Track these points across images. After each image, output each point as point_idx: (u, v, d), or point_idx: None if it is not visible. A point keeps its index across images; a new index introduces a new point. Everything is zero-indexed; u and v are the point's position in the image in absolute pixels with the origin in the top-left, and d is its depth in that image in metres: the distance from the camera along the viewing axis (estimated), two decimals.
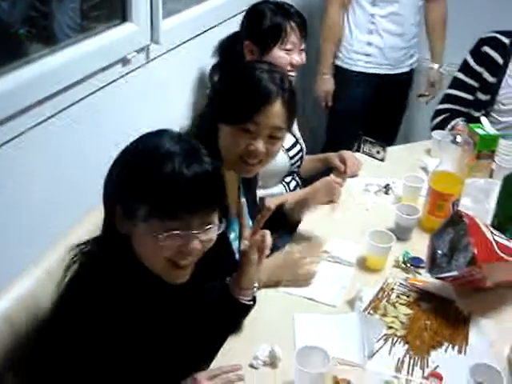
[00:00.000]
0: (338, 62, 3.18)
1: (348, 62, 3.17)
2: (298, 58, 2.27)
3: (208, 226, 1.27)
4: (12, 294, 1.37)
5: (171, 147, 1.23)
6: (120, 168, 1.27)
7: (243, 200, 1.53)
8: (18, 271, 1.41)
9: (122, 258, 1.26)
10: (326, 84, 3.19)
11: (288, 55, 2.25)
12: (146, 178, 1.21)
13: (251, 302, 1.55)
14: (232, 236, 1.77)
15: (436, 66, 3.30)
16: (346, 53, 3.15)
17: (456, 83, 2.85)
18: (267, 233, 1.49)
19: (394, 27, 3.08)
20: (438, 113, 2.87)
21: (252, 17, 2.31)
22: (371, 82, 3.17)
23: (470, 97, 2.79)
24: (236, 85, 1.67)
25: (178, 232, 1.22)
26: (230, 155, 1.66)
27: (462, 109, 2.81)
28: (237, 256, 1.75)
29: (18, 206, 1.69)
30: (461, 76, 2.82)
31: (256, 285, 1.56)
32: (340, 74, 3.19)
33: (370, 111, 3.23)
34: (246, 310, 1.55)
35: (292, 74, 2.25)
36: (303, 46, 2.30)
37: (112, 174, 1.28)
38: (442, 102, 2.90)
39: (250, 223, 1.78)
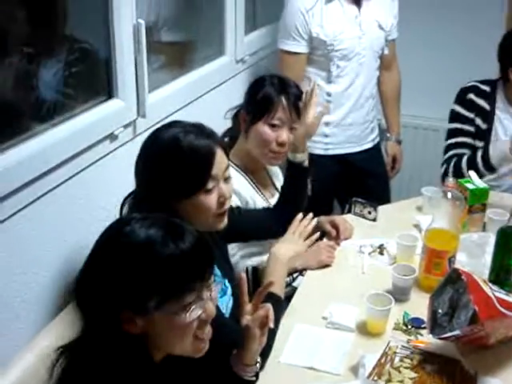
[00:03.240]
0: None
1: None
2: (286, 136, 2.18)
3: (212, 286, 1.28)
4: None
5: (152, 232, 1.21)
6: (109, 273, 1.20)
7: (243, 275, 1.51)
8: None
9: (134, 355, 1.22)
10: None
11: (274, 131, 2.18)
12: (148, 272, 1.18)
13: (254, 378, 1.51)
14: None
15: (393, 136, 3.21)
16: None
17: (452, 133, 2.81)
18: (270, 307, 1.47)
19: (351, 103, 2.90)
20: (446, 163, 2.79)
21: (252, 85, 2.28)
22: (336, 164, 2.96)
23: (471, 141, 2.76)
24: (173, 161, 1.64)
25: (196, 304, 1.22)
26: (206, 219, 1.68)
27: (468, 150, 2.75)
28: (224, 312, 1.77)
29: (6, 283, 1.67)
30: (455, 125, 2.81)
31: (259, 360, 1.52)
32: None
33: (345, 189, 2.98)
34: None
35: (280, 150, 2.19)
36: (296, 125, 2.18)
37: (97, 282, 1.22)
38: (445, 153, 2.83)
39: (227, 284, 1.82)
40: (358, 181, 3.03)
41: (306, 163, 2.17)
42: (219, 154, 1.67)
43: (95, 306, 1.21)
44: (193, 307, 1.21)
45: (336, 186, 3.02)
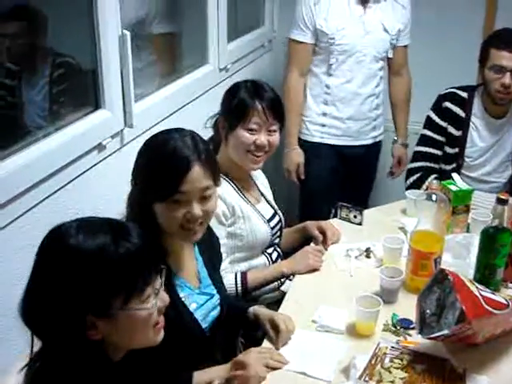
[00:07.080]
0: (298, 134, 3.10)
1: (305, 132, 3.12)
2: (264, 138, 2.18)
3: (158, 275, 1.32)
4: None
5: (100, 240, 1.20)
6: (66, 286, 1.18)
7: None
8: None
9: (93, 361, 1.23)
10: (296, 157, 3.08)
11: (252, 135, 2.17)
12: (108, 276, 1.19)
13: None
14: (193, 306, 1.77)
15: (400, 139, 3.26)
16: (304, 123, 3.10)
17: (423, 140, 2.92)
18: None
19: (348, 97, 3.04)
20: (410, 172, 2.93)
21: (227, 92, 2.29)
22: (333, 154, 3.10)
23: (439, 152, 2.87)
24: (152, 163, 1.65)
25: (153, 295, 1.27)
26: (171, 228, 1.68)
27: (434, 165, 2.88)
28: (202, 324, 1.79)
29: None
30: (427, 132, 2.90)
31: None
32: (300, 146, 3.11)
33: (339, 182, 3.14)
34: None
35: (258, 154, 2.20)
36: (275, 127, 2.21)
37: (53, 298, 1.19)
38: (412, 161, 2.96)
39: (210, 282, 1.86)
40: (347, 176, 3.15)
41: None
42: (196, 172, 1.63)
43: (52, 320, 1.19)
44: (151, 299, 1.26)
45: (331, 177, 3.12)
